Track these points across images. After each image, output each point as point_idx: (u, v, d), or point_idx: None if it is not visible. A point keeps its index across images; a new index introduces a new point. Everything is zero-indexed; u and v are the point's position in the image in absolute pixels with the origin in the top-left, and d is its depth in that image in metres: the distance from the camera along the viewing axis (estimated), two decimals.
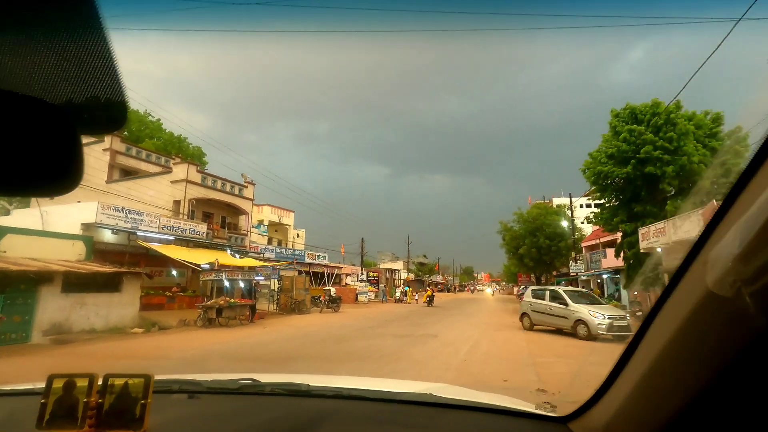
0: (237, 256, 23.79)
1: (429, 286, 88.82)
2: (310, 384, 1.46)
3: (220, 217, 28.63)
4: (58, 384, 0.98)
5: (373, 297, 38.98)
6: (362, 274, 39.82)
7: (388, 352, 9.84)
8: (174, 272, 21.18)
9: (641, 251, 19.56)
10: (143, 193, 21.60)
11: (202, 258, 19.12)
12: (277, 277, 23.17)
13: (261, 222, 35.42)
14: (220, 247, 23.88)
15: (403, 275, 71.11)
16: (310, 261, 37.36)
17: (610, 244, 33.46)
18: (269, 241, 37.20)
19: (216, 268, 18.64)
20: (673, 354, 0.71)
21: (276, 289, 22.71)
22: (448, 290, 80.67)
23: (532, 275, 53.17)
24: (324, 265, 38.29)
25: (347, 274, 41.56)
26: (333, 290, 28.41)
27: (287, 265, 27.81)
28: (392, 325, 16.54)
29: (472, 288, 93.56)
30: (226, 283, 18.35)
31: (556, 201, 46.46)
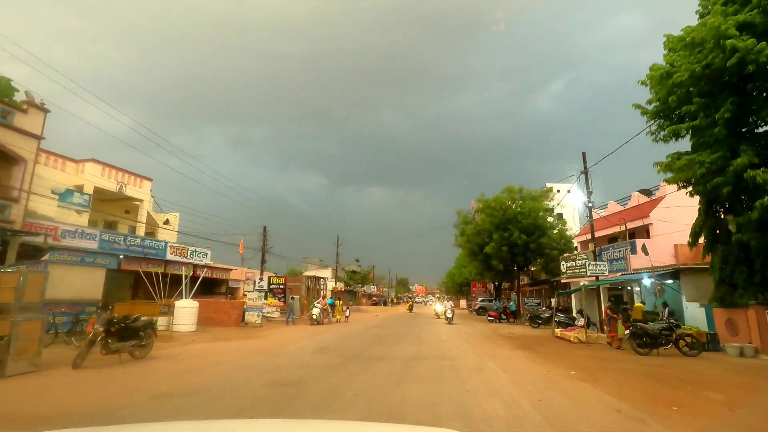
0: None
1: (373, 297, 76.41)
2: None
3: None
4: None
5: (276, 315, 25.80)
6: (260, 280, 26.49)
7: None
8: None
9: None
10: None
11: None
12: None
13: (77, 189, 20.87)
14: None
15: (331, 285, 58.20)
16: (177, 258, 23.51)
17: (613, 238, 23.75)
18: (111, 224, 22.83)
19: None
20: None
21: None
22: (384, 303, 68.86)
23: (493, 284, 43.06)
24: (200, 266, 24.52)
25: (246, 280, 27.99)
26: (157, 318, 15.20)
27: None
28: None
29: (410, 300, 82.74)
30: None
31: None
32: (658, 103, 13.06)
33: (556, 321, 21.63)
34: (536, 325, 21.70)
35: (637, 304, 14.78)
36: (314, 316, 22.77)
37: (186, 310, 18.05)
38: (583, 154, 18.96)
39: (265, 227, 28.07)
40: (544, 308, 22.82)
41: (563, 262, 24.36)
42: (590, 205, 18.49)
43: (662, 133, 13.36)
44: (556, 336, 16.60)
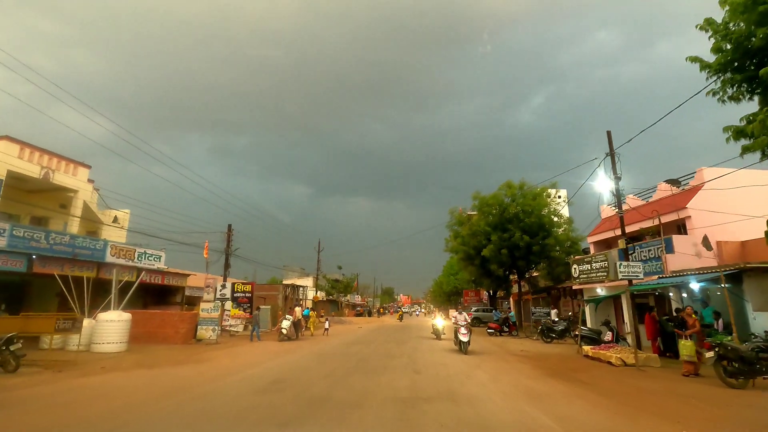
0: None
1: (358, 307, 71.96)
2: None
3: None
4: None
5: (240, 329, 21.81)
6: (223, 287, 22.44)
7: None
8: None
9: None
10: None
11: None
12: None
13: None
14: None
15: (312, 294, 54.04)
16: (120, 261, 19.43)
17: (635, 236, 20.65)
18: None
19: None
20: None
21: None
22: (369, 314, 64.85)
23: (488, 292, 39.63)
24: (151, 271, 20.45)
25: (206, 288, 23.86)
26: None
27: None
28: None
29: (400, 310, 78.79)
30: None
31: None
32: (728, 49, 9.81)
33: (575, 335, 18.26)
34: (549, 340, 18.28)
35: (689, 314, 11.39)
36: (284, 331, 18.88)
37: (112, 325, 14.03)
38: (608, 133, 15.77)
39: (230, 225, 24.07)
40: (556, 319, 19.46)
41: (575, 266, 21.08)
42: (618, 191, 15.20)
43: (731, 90, 10.11)
44: (587, 355, 13.14)
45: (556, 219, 25.99)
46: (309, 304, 58.78)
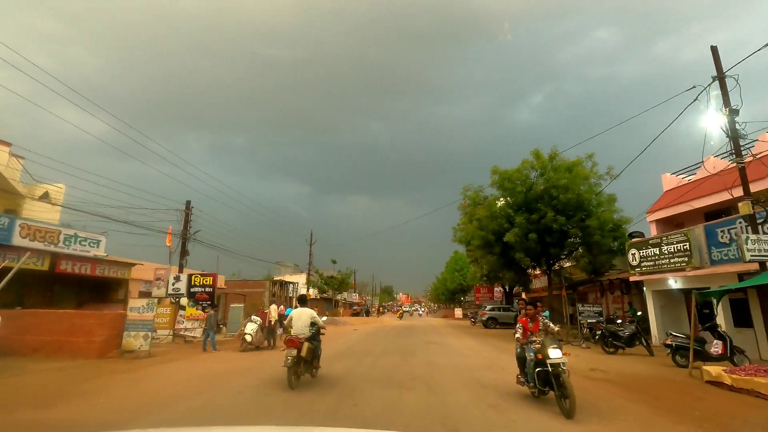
0: None
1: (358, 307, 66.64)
2: None
3: None
4: None
5: (198, 334, 16.89)
6: (176, 279, 17.44)
7: None
8: None
9: None
10: None
11: None
12: None
13: None
14: None
15: (304, 291, 49.03)
16: (34, 245, 14.58)
17: (716, 209, 15.66)
18: None
19: None
20: None
21: None
22: (367, 313, 59.86)
23: (504, 288, 34.61)
24: (84, 258, 15.48)
25: (156, 281, 18.83)
26: None
27: None
28: None
29: (400, 309, 73.68)
30: None
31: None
32: None
33: (647, 342, 13.31)
34: (613, 349, 13.27)
35: None
36: (248, 338, 13.86)
37: None
38: (713, 48, 10.75)
39: (188, 202, 18.89)
40: (620, 321, 14.43)
41: (633, 251, 16.16)
42: (734, 128, 10.11)
43: None
44: (708, 381, 8.18)
45: (596, 196, 20.96)
46: (295, 301, 53.85)
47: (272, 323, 15.51)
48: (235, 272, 53.41)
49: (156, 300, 13.25)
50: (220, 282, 29.76)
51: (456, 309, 52.97)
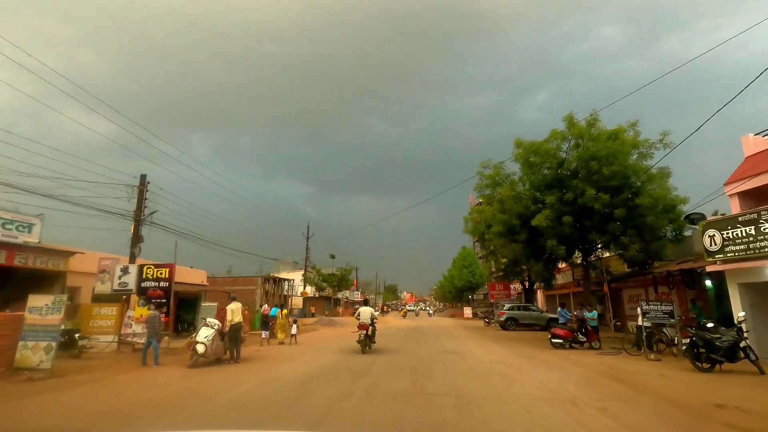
0: None
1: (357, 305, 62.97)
2: None
3: None
4: None
5: (138, 339, 13.20)
6: (123, 272, 13.83)
7: None
8: None
9: None
10: None
11: None
12: None
13: None
14: None
15: (301, 289, 45.53)
16: None
17: None
18: None
19: None
20: None
21: None
22: None
23: (523, 284, 30.79)
24: (4, 244, 11.92)
25: (100, 273, 15.20)
26: None
27: None
28: None
29: (404, 308, 69.95)
30: None
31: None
32: None
33: (754, 356, 9.50)
34: (708, 365, 9.46)
35: None
36: (199, 349, 10.16)
37: None
38: None
39: (143, 176, 15.20)
40: (711, 325, 10.58)
41: (712, 233, 12.31)
42: None
43: None
44: None
45: (644, 165, 17.07)
46: (299, 301, 50.25)
47: (238, 327, 11.64)
48: (228, 269, 50.01)
49: (65, 297, 9.61)
50: (200, 277, 26.18)
51: (465, 308, 49.17)
